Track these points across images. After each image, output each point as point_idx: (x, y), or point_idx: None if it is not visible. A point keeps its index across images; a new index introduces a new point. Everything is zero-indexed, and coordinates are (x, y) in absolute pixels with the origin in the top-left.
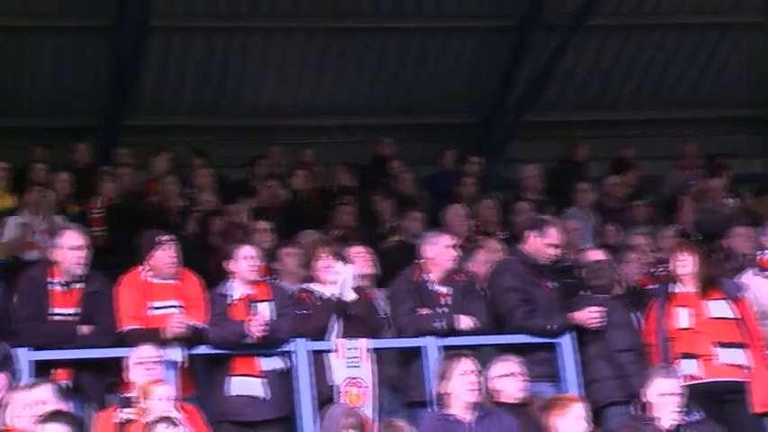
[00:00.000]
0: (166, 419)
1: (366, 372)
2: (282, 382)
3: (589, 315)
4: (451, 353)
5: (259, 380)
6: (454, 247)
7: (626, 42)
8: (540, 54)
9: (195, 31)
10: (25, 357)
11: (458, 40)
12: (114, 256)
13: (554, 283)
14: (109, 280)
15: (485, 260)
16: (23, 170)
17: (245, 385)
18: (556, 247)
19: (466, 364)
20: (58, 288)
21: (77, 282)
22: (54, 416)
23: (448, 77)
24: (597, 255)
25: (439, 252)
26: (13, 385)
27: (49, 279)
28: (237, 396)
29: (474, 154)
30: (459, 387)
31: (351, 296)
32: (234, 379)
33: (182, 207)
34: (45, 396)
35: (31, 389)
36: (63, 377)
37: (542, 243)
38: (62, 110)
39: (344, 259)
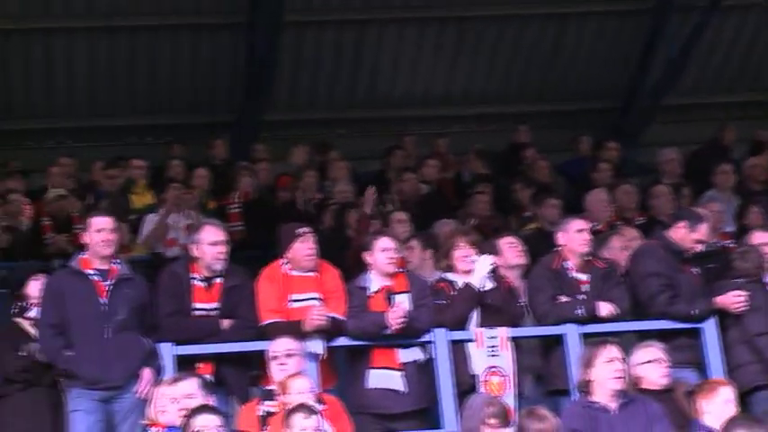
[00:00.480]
0: (304, 407)
1: (506, 360)
2: (421, 374)
3: (733, 299)
4: (596, 340)
5: (398, 373)
6: (585, 231)
7: (763, 22)
8: (677, 37)
9: (328, 24)
10: (169, 352)
11: (593, 25)
12: (252, 250)
13: (696, 268)
14: (248, 274)
15: (620, 247)
16: (162, 167)
17: (384, 378)
18: (702, 243)
19: (611, 351)
20: (199, 283)
21: (218, 277)
22: (203, 408)
23: (583, 63)
24: (764, 237)
25: (570, 237)
26: (157, 380)
27: (190, 275)
28: (376, 389)
29: (610, 140)
30: (604, 374)
31: (489, 285)
32: (373, 372)
33: (318, 200)
34: (192, 390)
35: (178, 383)
36: (206, 371)
37: (690, 236)
38: (198, 107)
39: (490, 249)
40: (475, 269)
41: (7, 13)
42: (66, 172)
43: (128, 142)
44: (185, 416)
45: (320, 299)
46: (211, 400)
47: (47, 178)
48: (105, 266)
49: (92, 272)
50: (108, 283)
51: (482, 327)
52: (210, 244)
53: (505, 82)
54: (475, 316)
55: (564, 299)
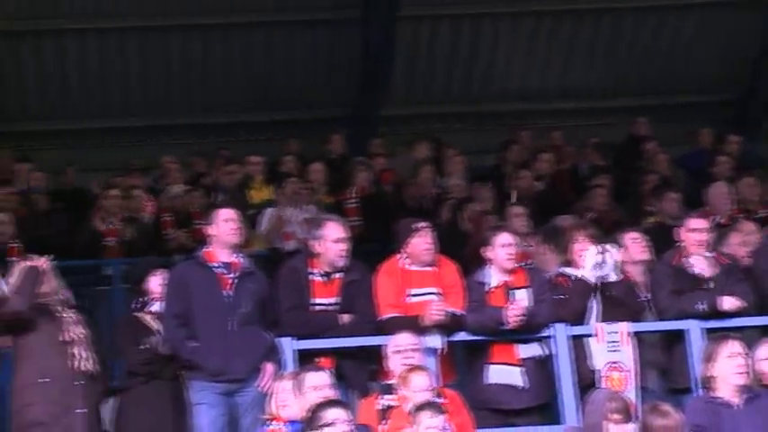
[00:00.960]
0: (429, 406)
1: (627, 355)
2: (541, 369)
3: None
4: (717, 335)
5: (517, 368)
6: (698, 231)
7: None
8: None
9: (443, 18)
10: (289, 347)
11: (712, 17)
12: (369, 244)
13: None
14: (366, 269)
15: (739, 242)
16: (278, 163)
17: (503, 374)
18: None
19: (733, 347)
20: (319, 278)
21: (337, 272)
22: (333, 402)
23: (702, 55)
24: None
25: (686, 236)
26: (278, 374)
27: (309, 270)
28: (496, 384)
29: (730, 132)
30: (726, 370)
31: (613, 277)
32: (492, 367)
33: (435, 195)
34: (323, 382)
35: (307, 375)
36: (326, 365)
37: None
38: (314, 102)
39: (611, 243)
40: (584, 262)
41: (126, 12)
42: (179, 168)
43: (244, 138)
44: (311, 410)
45: (439, 293)
46: (336, 394)
47: (165, 175)
48: (229, 259)
49: (216, 264)
50: (232, 276)
51: (603, 321)
52: (334, 241)
53: (623, 75)
54: (595, 310)
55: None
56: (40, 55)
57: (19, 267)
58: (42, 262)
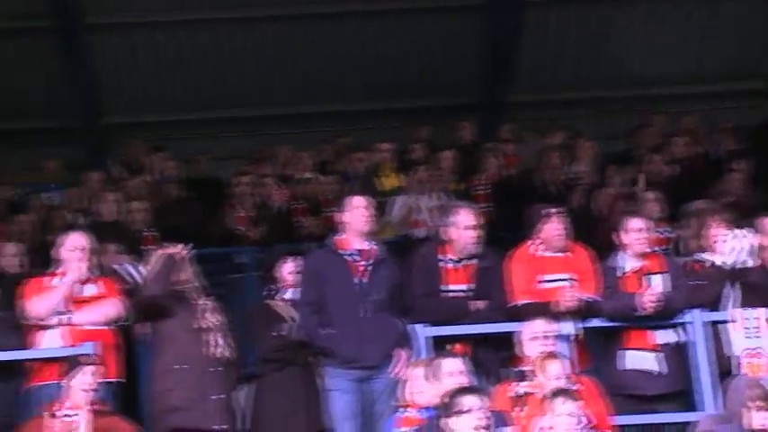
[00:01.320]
0: (564, 393)
1: (767, 342)
2: (677, 355)
3: None
4: None
5: (653, 354)
6: None
7: None
8: None
9: (570, 2)
10: (422, 333)
11: None
12: (499, 231)
13: None
14: (498, 255)
15: None
16: (407, 150)
17: (639, 359)
18: None
19: None
20: (450, 265)
21: (469, 258)
22: (470, 389)
23: None
24: None
25: None
26: (410, 361)
27: (440, 257)
28: (632, 370)
29: None
30: None
31: (750, 263)
32: (628, 353)
33: (565, 180)
34: (458, 368)
35: (443, 361)
36: (459, 352)
37: None
38: (443, 89)
39: (748, 228)
40: (724, 247)
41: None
42: (309, 156)
43: (374, 126)
44: (447, 396)
45: (572, 279)
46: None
47: (293, 163)
48: (362, 247)
49: (348, 252)
50: (364, 263)
51: (742, 307)
52: (466, 228)
53: (758, 57)
54: (732, 297)
55: None
56: (175, 46)
57: (156, 255)
58: (179, 250)
